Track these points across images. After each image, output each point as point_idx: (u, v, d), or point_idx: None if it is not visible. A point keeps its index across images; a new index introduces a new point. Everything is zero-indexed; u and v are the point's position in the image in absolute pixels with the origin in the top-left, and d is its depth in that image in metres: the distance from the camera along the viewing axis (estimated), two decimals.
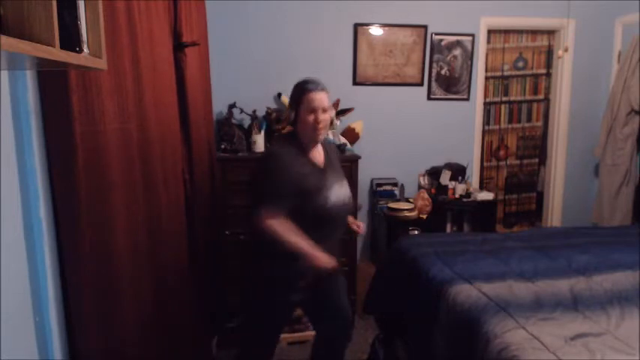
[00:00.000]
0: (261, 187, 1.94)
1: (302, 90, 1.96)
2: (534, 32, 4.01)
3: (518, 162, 4.30)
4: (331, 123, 2.05)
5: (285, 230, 1.82)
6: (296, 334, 2.94)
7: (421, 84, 3.63)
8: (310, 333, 2.93)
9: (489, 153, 4.21)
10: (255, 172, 2.61)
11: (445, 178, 3.49)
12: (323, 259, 1.82)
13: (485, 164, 4.12)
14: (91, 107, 1.30)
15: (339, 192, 1.96)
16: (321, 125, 1.94)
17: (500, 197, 4.25)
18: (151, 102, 1.71)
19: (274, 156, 1.98)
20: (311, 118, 1.93)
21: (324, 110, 1.95)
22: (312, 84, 1.96)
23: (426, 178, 3.64)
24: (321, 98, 1.94)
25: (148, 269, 1.68)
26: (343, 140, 3.25)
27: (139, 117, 1.62)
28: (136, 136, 1.59)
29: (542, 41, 4.05)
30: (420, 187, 3.64)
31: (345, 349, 2.27)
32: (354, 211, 2.04)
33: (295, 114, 1.97)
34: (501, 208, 4.28)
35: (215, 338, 2.88)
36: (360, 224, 2.21)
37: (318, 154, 2.03)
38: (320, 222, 1.91)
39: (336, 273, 2.02)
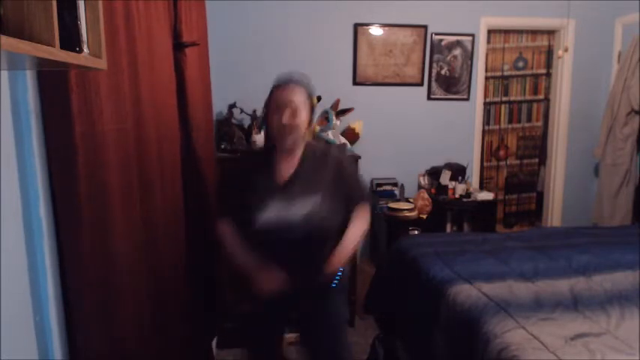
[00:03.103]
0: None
1: (273, 87, 1.68)
2: (534, 32, 4.01)
3: (518, 162, 4.31)
4: (309, 129, 1.68)
5: (233, 245, 1.70)
6: (296, 335, 2.94)
7: (421, 84, 3.63)
8: None
9: (489, 153, 4.21)
10: None
11: (445, 178, 3.49)
12: (262, 283, 1.60)
13: (485, 164, 4.12)
14: (90, 107, 1.30)
15: (295, 210, 1.60)
16: (286, 128, 1.57)
17: (500, 197, 4.26)
18: (148, 102, 1.70)
19: (229, 167, 1.85)
20: (275, 118, 1.60)
21: (294, 109, 1.57)
22: (284, 78, 1.65)
23: (426, 178, 3.64)
24: (288, 94, 1.59)
25: (148, 269, 1.68)
26: (343, 140, 3.25)
27: (136, 117, 1.61)
28: (132, 136, 1.59)
29: (542, 41, 4.06)
30: (420, 187, 3.64)
31: None
32: (325, 230, 1.66)
33: (265, 116, 1.73)
34: (501, 208, 4.28)
35: (215, 338, 2.88)
36: (333, 265, 1.65)
37: (288, 165, 1.67)
38: (267, 239, 1.64)
39: (319, 305, 1.76)
